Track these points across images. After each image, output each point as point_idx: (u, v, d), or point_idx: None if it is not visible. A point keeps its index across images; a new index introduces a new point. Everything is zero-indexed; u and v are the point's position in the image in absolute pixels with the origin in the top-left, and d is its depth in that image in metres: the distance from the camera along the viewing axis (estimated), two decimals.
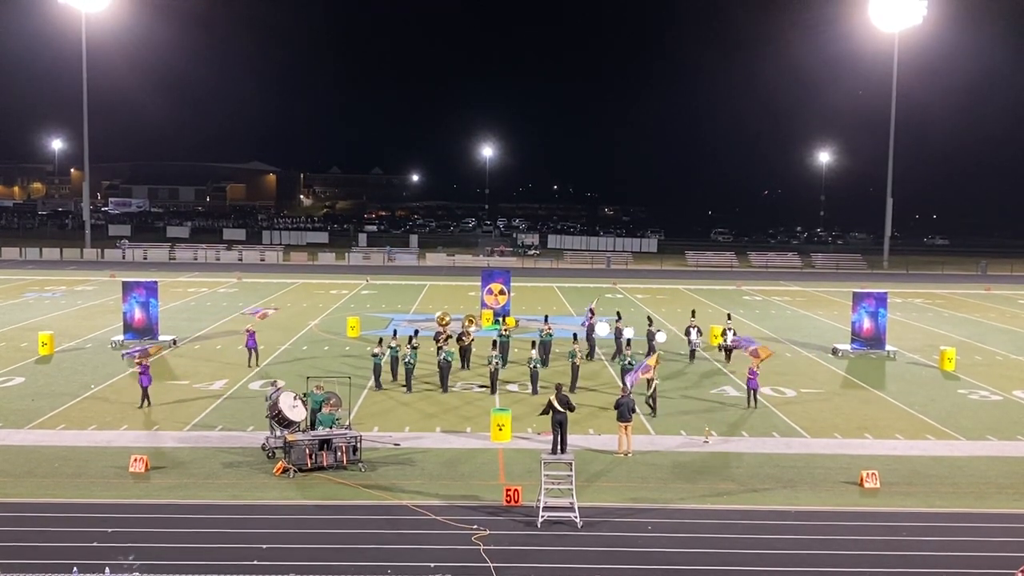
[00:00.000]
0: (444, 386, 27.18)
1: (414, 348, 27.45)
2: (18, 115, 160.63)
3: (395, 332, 29.95)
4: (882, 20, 75.61)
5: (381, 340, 27.92)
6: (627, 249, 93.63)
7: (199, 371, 29.83)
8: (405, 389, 26.98)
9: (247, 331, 31.07)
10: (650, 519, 17.31)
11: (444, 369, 27.26)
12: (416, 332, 29.46)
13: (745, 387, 26.46)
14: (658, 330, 32.77)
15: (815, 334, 40.14)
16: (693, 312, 35.74)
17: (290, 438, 19.58)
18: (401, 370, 27.55)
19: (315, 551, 15.56)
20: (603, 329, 31.94)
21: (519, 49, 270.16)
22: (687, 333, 32.72)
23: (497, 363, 27.36)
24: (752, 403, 25.87)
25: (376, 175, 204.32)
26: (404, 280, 62.04)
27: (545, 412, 19.78)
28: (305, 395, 20.97)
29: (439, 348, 27.60)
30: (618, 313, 35.79)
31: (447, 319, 33.01)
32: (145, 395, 24.81)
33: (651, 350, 32.10)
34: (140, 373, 24.85)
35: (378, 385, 27.10)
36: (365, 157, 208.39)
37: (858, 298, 35.55)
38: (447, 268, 73.80)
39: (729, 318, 35.60)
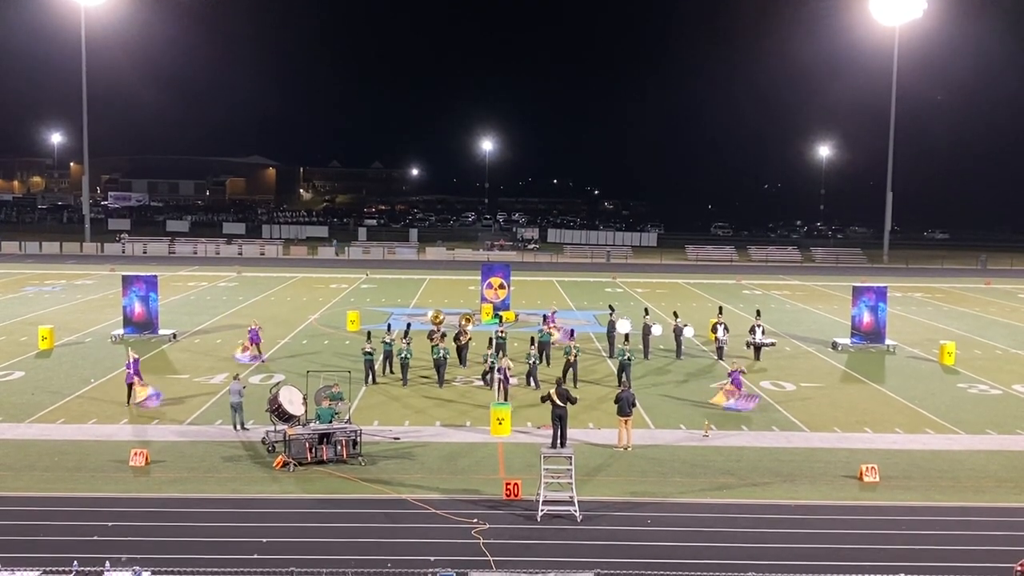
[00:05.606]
0: (440, 380, 27.27)
1: (408, 343, 27.56)
2: (18, 109, 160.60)
3: (388, 327, 29.97)
4: (882, 14, 75.53)
5: (370, 334, 27.94)
6: (627, 243, 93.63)
7: (199, 365, 29.84)
8: (401, 383, 27.06)
9: (253, 328, 30.87)
10: (650, 513, 17.34)
11: (440, 364, 27.35)
12: (408, 325, 29.52)
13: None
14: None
15: (815, 328, 40.15)
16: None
17: (290, 432, 19.60)
18: (396, 365, 27.65)
19: (315, 545, 15.58)
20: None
21: (519, 44, 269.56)
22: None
23: (493, 361, 27.33)
24: None
25: (376, 169, 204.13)
26: (404, 274, 62.06)
27: (544, 401, 20.56)
28: (316, 416, 20.56)
29: (434, 347, 27.63)
30: (611, 307, 35.77)
31: (441, 317, 33.00)
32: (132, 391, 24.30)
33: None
34: (131, 371, 24.34)
35: (367, 380, 27.02)
36: (365, 151, 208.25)
37: (858, 292, 35.57)
38: (447, 262, 73.79)
39: (758, 315, 34.18)
